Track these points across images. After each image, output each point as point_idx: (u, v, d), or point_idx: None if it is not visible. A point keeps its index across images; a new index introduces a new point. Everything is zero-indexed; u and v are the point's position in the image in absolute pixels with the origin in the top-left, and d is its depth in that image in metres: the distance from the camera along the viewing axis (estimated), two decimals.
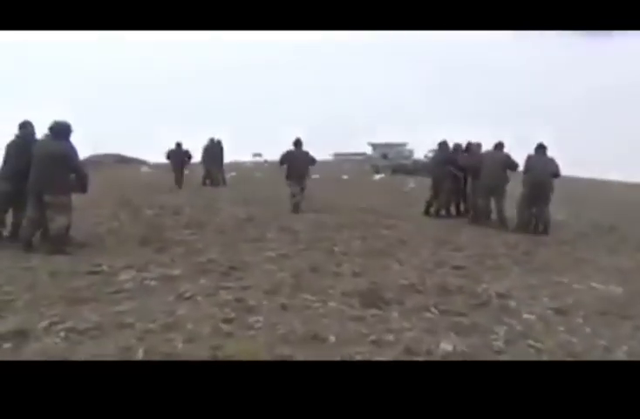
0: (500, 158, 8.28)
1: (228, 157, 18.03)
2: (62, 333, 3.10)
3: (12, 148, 5.58)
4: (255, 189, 14.01)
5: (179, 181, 14.57)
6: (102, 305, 3.68)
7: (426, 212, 9.41)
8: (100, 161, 32.82)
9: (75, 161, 5.50)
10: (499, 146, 8.38)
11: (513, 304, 4.15)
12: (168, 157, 15.27)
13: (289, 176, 9.52)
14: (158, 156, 17.94)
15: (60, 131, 5.42)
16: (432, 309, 3.92)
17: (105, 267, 4.69)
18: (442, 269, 5.26)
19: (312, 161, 9.66)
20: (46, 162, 5.25)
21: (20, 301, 3.67)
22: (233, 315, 3.57)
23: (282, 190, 11.13)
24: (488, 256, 5.99)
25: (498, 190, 8.16)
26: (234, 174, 20.49)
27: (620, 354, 3.19)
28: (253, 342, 3.09)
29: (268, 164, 35.64)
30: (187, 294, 4.02)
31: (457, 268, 5.33)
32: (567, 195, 13.33)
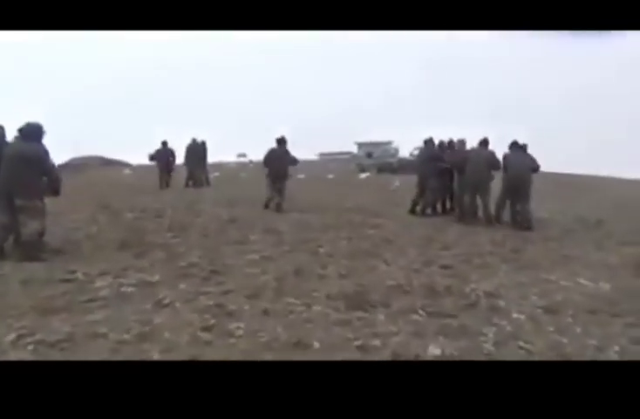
0: (484, 155, 8.23)
1: (213, 157, 17.84)
2: (30, 347, 2.93)
3: None
4: (239, 190, 13.80)
5: (165, 181, 14.34)
6: (75, 314, 3.50)
7: (412, 211, 9.33)
8: (82, 163, 32.39)
9: (46, 164, 5.29)
10: (483, 143, 8.33)
11: (501, 303, 4.06)
12: (152, 158, 15.00)
13: (268, 175, 9.39)
14: (141, 158, 17.71)
15: (31, 133, 5.20)
16: (420, 311, 3.81)
17: (80, 274, 4.50)
18: (429, 268, 5.16)
19: (293, 160, 9.48)
20: (17, 165, 5.04)
21: None
22: (213, 322, 3.43)
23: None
24: (476, 254, 5.91)
25: (483, 187, 8.12)
26: (217, 174, 20.26)
27: (611, 354, 3.12)
28: (233, 351, 2.95)
29: (253, 164, 35.41)
30: (166, 301, 3.86)
31: (444, 267, 5.23)
32: (552, 191, 13.40)
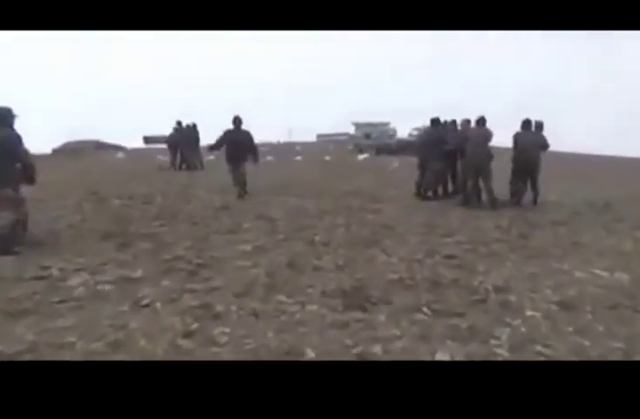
0: (483, 134, 7.87)
1: (208, 140, 17.36)
2: None
3: None
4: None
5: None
6: (42, 318, 3.16)
7: (418, 193, 8.92)
8: (76, 147, 31.79)
9: (18, 150, 4.88)
10: (481, 121, 7.93)
11: (513, 298, 3.72)
12: (169, 140, 14.95)
13: (228, 159, 8.52)
14: (135, 141, 17.33)
15: (0, 117, 4.78)
16: (425, 309, 3.47)
17: (54, 270, 4.14)
18: (433, 259, 4.81)
19: (251, 144, 8.50)
20: None
21: None
22: (195, 326, 3.09)
23: (262, 174, 10.61)
24: (481, 242, 5.55)
25: (484, 168, 7.78)
26: (212, 157, 19.75)
27: None
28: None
29: None
30: (146, 301, 3.52)
31: (449, 257, 4.88)
32: (558, 172, 12.98)
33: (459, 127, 8.92)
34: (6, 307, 3.30)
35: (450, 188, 9.15)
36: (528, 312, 3.45)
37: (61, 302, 3.47)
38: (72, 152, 29.68)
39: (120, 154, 23.70)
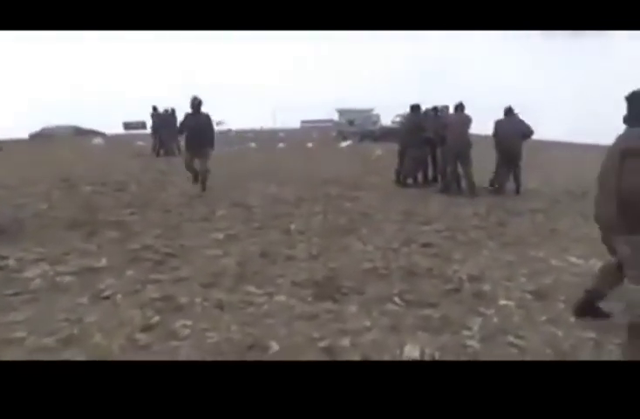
0: (462, 120, 7.75)
1: None
2: None
3: None
4: (215, 161, 13.11)
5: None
6: None
7: (397, 181, 8.82)
8: (54, 133, 30.98)
9: None
10: (459, 107, 7.82)
11: (487, 288, 3.64)
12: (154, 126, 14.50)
13: (188, 147, 7.52)
14: (116, 128, 16.88)
15: None
16: (397, 299, 3.38)
17: (11, 261, 3.95)
18: (409, 247, 4.72)
19: (210, 129, 7.53)
20: None
21: None
22: (156, 319, 2.94)
23: (242, 161, 10.42)
24: (459, 229, 5.48)
25: (463, 154, 7.68)
26: None
27: (612, 348, 2.73)
28: (173, 358, 2.48)
29: (233, 133, 34.42)
30: (106, 293, 3.36)
31: (425, 246, 4.79)
32: (538, 160, 12.98)
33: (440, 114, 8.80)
34: None
35: (430, 175, 9.06)
36: (502, 302, 3.38)
37: (15, 294, 3.29)
38: (49, 137, 28.98)
39: (98, 140, 23.11)
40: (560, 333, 2.91)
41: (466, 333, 2.88)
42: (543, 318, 3.14)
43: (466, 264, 4.15)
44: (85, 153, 16.46)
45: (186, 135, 7.51)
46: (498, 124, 7.97)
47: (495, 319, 3.10)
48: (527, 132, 7.88)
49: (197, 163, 7.50)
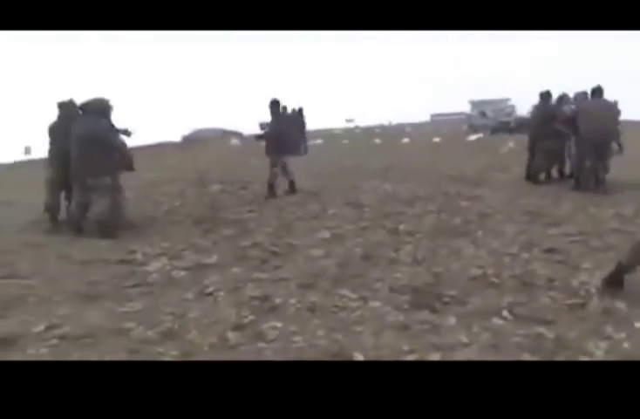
0: (605, 106, 6.71)
1: (320, 124, 17.35)
2: (54, 341, 2.75)
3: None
4: (336, 158, 13.28)
5: None
6: (111, 302, 3.31)
7: (528, 177, 8.02)
8: (203, 136, 34.17)
9: (115, 140, 5.26)
10: (597, 91, 6.77)
11: (620, 305, 3.09)
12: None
13: (271, 151, 7.34)
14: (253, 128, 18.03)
15: (97, 109, 5.15)
16: (504, 313, 3.03)
17: (138, 255, 4.38)
18: (529, 253, 4.22)
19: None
20: (84, 143, 5.03)
21: (33, 297, 3.41)
22: (249, 319, 3.01)
23: (367, 159, 10.39)
24: (594, 233, 4.77)
25: (605, 148, 6.64)
26: (319, 141, 19.92)
27: None
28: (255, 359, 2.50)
29: (359, 130, 34.66)
30: (210, 289, 3.54)
31: (549, 251, 4.25)
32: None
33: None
34: (85, 290, 3.52)
35: (567, 170, 8.08)
36: (638, 324, 2.84)
37: (134, 286, 3.62)
38: (201, 140, 31.94)
39: (235, 141, 24.89)
40: None
41: (584, 358, 2.46)
42: None
43: (597, 275, 3.57)
44: (222, 153, 17.84)
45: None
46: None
47: (626, 345, 2.60)
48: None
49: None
